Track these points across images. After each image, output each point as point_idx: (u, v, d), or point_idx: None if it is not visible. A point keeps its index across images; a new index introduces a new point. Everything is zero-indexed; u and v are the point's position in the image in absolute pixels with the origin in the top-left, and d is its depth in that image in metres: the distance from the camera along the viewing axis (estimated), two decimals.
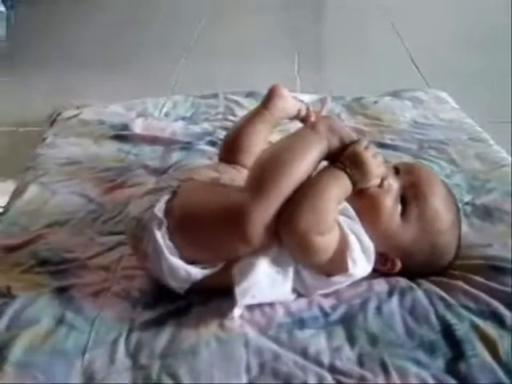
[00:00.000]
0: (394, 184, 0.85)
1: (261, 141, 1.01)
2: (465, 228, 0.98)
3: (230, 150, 1.01)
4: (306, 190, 0.77)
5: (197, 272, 0.79)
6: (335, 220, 0.79)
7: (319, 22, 2.64)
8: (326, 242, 0.77)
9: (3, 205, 1.12)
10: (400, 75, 1.82)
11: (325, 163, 0.83)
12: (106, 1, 2.74)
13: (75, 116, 1.40)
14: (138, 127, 1.33)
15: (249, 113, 1.08)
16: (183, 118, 1.41)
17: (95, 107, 1.45)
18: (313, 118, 1.05)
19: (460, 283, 0.86)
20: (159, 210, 0.81)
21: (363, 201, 0.83)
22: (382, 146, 1.23)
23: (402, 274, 0.88)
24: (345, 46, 2.22)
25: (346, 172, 0.80)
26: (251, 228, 0.75)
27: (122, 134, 1.31)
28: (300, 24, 2.45)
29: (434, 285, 0.87)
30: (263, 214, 0.75)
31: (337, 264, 0.78)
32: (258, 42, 2.20)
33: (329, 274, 0.79)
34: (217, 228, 0.78)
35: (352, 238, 0.79)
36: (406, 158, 1.19)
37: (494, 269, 0.89)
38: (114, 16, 2.59)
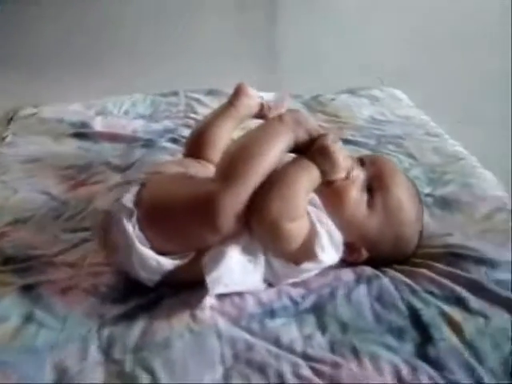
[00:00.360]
0: (359, 175, 0.87)
1: (226, 136, 1.02)
2: (426, 218, 1.01)
3: (196, 145, 1.02)
4: (277, 179, 0.78)
5: (167, 262, 0.79)
6: (305, 210, 0.80)
7: (275, 22, 2.68)
8: (297, 229, 0.78)
9: None
10: (354, 75, 1.85)
11: (291, 155, 0.85)
12: (65, 3, 2.69)
13: (33, 114, 1.38)
14: (98, 125, 1.32)
15: (215, 109, 1.09)
16: (143, 116, 1.40)
17: (53, 106, 1.43)
18: (271, 115, 1.07)
19: (423, 270, 0.89)
20: (128, 200, 0.81)
21: (331, 192, 0.84)
22: (342, 141, 1.25)
23: (367, 262, 0.89)
24: (300, 45, 2.25)
25: (314, 163, 0.81)
26: (221, 216, 0.75)
27: (81, 132, 1.29)
28: (256, 24, 2.47)
29: (399, 272, 0.89)
30: (232, 203, 0.76)
31: (305, 251, 0.79)
32: (215, 42, 2.21)
33: (298, 262, 0.81)
34: (187, 217, 0.78)
35: (319, 227, 0.81)
36: (366, 153, 1.21)
37: (454, 256, 0.91)
38: (74, 17, 2.56)
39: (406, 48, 2.15)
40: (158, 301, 0.82)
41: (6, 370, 0.72)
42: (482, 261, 0.90)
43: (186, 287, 0.83)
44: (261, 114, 1.09)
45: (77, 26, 2.41)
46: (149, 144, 1.25)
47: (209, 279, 0.77)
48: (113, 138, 1.27)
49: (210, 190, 0.77)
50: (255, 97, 1.07)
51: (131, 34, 2.35)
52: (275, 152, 0.80)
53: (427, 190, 1.10)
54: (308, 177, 0.81)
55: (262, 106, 1.08)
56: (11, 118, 1.37)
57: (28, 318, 0.79)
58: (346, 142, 1.26)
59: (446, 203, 1.07)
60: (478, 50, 2.12)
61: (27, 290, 0.84)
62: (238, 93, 1.06)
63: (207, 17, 2.58)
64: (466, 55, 2.06)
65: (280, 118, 0.85)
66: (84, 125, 1.32)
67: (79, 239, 0.96)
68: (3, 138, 1.29)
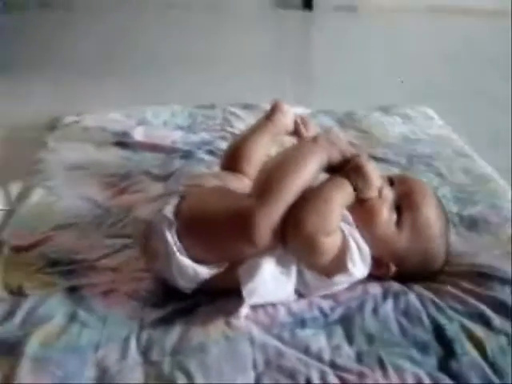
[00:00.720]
0: (389, 194, 0.90)
1: (262, 152, 1.06)
2: (453, 237, 1.04)
3: (233, 158, 1.06)
4: (312, 195, 0.83)
5: (204, 271, 0.84)
6: (339, 224, 0.84)
7: (310, 40, 2.73)
8: (331, 243, 0.83)
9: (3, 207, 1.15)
10: (386, 91, 1.89)
11: (326, 175, 0.90)
12: (98, 10, 2.78)
13: (76, 122, 1.44)
14: (139, 135, 1.37)
15: (252, 125, 1.14)
16: (181, 128, 1.46)
17: (95, 114, 1.49)
18: (304, 132, 1.11)
19: (449, 288, 0.92)
20: (169, 211, 0.86)
21: (362, 210, 0.88)
22: (373, 158, 1.29)
23: (394, 278, 0.93)
24: (334, 61, 2.30)
25: (349, 181, 0.86)
26: (257, 231, 0.80)
27: (123, 141, 1.35)
28: (292, 40, 2.52)
29: (425, 289, 0.92)
30: (268, 218, 0.80)
31: (337, 264, 0.84)
32: (251, 56, 2.26)
33: (330, 275, 0.85)
34: (224, 230, 0.83)
35: (351, 241, 0.85)
36: (397, 171, 1.25)
37: (480, 275, 0.94)
38: (107, 26, 2.64)
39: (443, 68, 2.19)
40: (195, 307, 0.87)
41: (51, 366, 0.76)
42: (507, 281, 0.92)
43: (221, 295, 0.87)
44: (296, 131, 1.13)
45: (118, 36, 2.50)
46: (187, 155, 1.30)
47: (245, 290, 0.82)
48: (153, 148, 1.32)
49: (247, 206, 0.82)
50: (291, 114, 1.11)
51: (170, 45, 2.42)
52: (309, 171, 0.85)
53: (455, 210, 1.13)
54: (342, 194, 0.85)
55: (296, 123, 1.12)
56: (55, 126, 1.43)
57: (72, 318, 0.84)
58: (378, 159, 1.30)
59: (473, 223, 1.10)
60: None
61: (71, 291, 0.89)
62: (274, 109, 1.11)
63: (244, 30, 2.64)
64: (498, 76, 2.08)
65: (314, 138, 0.90)
66: (125, 134, 1.38)
67: (121, 245, 1.01)
68: (44, 144, 1.34)
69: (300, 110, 1.54)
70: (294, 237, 0.81)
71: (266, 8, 2.90)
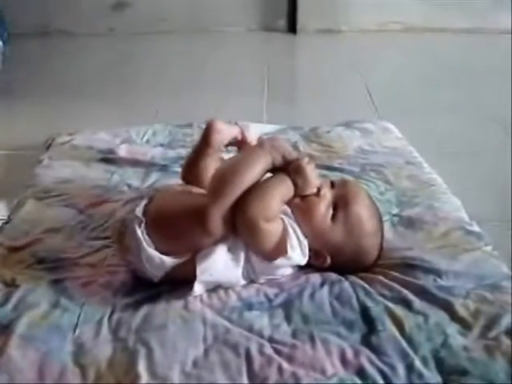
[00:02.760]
0: (327, 193, 1.06)
1: (210, 169, 1.14)
2: (390, 235, 1.18)
3: (188, 179, 1.18)
4: (257, 187, 0.99)
5: (169, 260, 1.00)
6: (279, 213, 1.00)
7: (293, 61, 2.91)
8: (271, 229, 0.98)
9: (4, 217, 1.31)
10: (357, 109, 2.04)
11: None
12: (95, 38, 2.98)
13: (68, 142, 1.61)
14: (123, 151, 1.54)
15: (194, 147, 1.21)
16: (162, 145, 1.62)
17: (85, 134, 1.66)
18: (250, 142, 1.18)
19: (380, 277, 1.06)
20: (139, 211, 1.02)
21: (302, 205, 1.04)
22: (330, 168, 1.44)
23: (334, 270, 1.07)
24: (316, 80, 2.46)
25: (289, 178, 1.02)
26: (211, 221, 0.97)
27: (108, 158, 1.51)
28: (276, 61, 2.69)
29: (359, 278, 1.06)
30: (219, 210, 0.97)
31: (278, 249, 0.99)
32: (236, 77, 2.43)
33: (271, 258, 1.00)
34: (184, 224, 0.99)
35: (291, 230, 1.01)
36: (350, 178, 1.39)
37: (408, 266, 1.08)
38: (101, 52, 2.84)
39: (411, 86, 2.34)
40: (160, 294, 1.02)
41: (36, 342, 0.92)
42: (431, 270, 1.06)
43: (182, 285, 1.02)
44: (237, 141, 1.19)
45: (110, 61, 2.68)
46: (163, 169, 1.46)
47: (198, 269, 0.98)
48: (134, 163, 1.48)
49: (202, 202, 0.99)
50: (226, 129, 1.17)
51: (159, 67, 2.59)
52: (254, 171, 1.01)
53: (395, 211, 1.27)
54: (282, 187, 1.02)
55: (238, 133, 1.17)
56: (50, 145, 1.60)
57: (55, 305, 1.00)
58: (334, 169, 1.45)
59: (410, 222, 1.23)
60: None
61: (55, 283, 1.05)
62: (208, 131, 1.16)
63: (231, 52, 2.82)
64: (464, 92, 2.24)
65: (260, 144, 1.06)
66: (110, 151, 1.54)
67: (101, 245, 1.16)
68: (40, 162, 1.51)
69: (270, 127, 1.72)
70: (240, 221, 0.97)
71: (253, 31, 3.08)
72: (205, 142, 1.17)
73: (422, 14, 3.04)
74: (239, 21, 3.05)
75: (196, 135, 1.65)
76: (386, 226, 1.19)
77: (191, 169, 1.18)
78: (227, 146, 1.20)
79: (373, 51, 2.82)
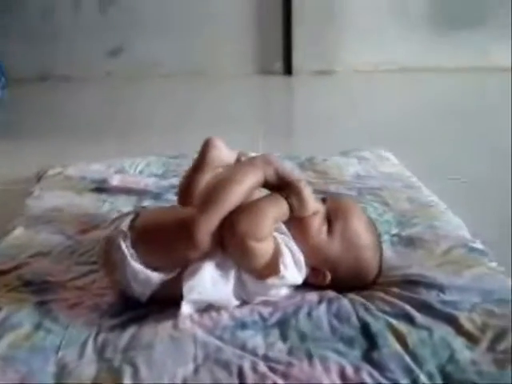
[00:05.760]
0: (320, 208, 1.02)
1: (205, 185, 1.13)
2: (390, 254, 1.15)
3: (184, 201, 1.16)
4: (249, 205, 0.95)
5: (155, 276, 0.95)
6: (271, 233, 0.96)
7: (290, 101, 2.93)
8: (261, 249, 0.94)
9: None
10: (352, 143, 2.03)
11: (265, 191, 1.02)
12: (92, 82, 3.01)
13: (60, 173, 1.59)
14: (116, 181, 1.51)
15: (192, 164, 1.20)
16: (155, 175, 1.60)
17: (78, 165, 1.64)
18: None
19: (380, 294, 1.02)
20: (124, 226, 0.98)
21: (297, 222, 1.00)
22: (326, 193, 1.39)
23: (333, 288, 1.03)
24: (306, 118, 2.46)
25: (286, 200, 0.98)
26: (198, 235, 0.92)
27: (101, 187, 1.49)
28: (267, 100, 2.71)
29: (358, 295, 1.01)
30: (207, 224, 0.93)
31: (270, 268, 0.95)
32: (226, 115, 2.44)
33: (263, 278, 0.95)
34: (171, 237, 0.95)
35: (284, 248, 0.96)
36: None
37: (409, 282, 1.04)
38: (98, 96, 2.86)
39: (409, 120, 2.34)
40: (148, 314, 0.97)
41: (17, 364, 0.87)
42: (433, 285, 1.02)
43: (171, 304, 0.97)
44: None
45: (107, 102, 2.70)
46: (157, 196, 1.43)
47: (185, 287, 0.93)
48: (127, 191, 1.46)
49: (191, 216, 0.95)
50: (224, 149, 1.17)
51: (149, 112, 2.61)
52: (245, 186, 0.97)
53: (394, 231, 1.23)
54: (277, 209, 0.97)
55: (239, 158, 1.18)
56: (41, 177, 1.58)
57: (38, 326, 0.95)
58: (329, 194, 1.41)
59: (410, 241, 1.19)
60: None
61: (40, 305, 1.00)
62: (206, 147, 1.16)
63: (228, 94, 2.84)
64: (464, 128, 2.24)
65: (251, 159, 1.03)
66: (103, 181, 1.52)
67: (89, 270, 1.12)
68: (31, 193, 1.48)
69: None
70: (228, 239, 0.93)
71: (249, 74, 3.11)
72: (201, 158, 1.15)
73: (417, 54, 3.08)
74: (236, 64, 3.10)
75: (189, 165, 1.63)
76: (386, 245, 1.16)
77: (186, 187, 1.15)
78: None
79: (367, 91, 2.86)
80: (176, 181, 1.52)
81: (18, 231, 1.27)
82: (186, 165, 1.61)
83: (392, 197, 1.40)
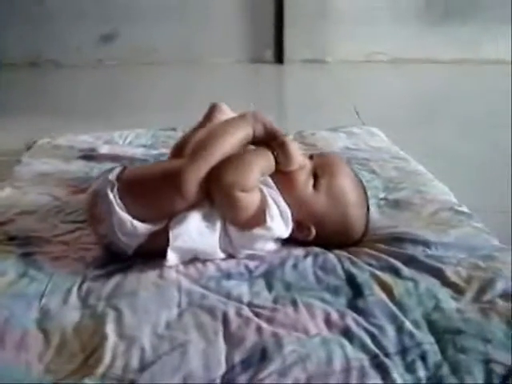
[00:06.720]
0: (307, 163, 1.02)
1: None
2: (377, 216, 1.15)
3: (177, 153, 1.17)
4: (237, 157, 0.95)
5: (141, 226, 0.94)
6: (257, 185, 0.96)
7: (277, 86, 2.93)
8: (247, 200, 0.94)
9: None
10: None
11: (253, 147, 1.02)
12: (83, 69, 3.01)
13: (49, 143, 1.58)
14: (104, 150, 1.51)
15: (195, 125, 1.23)
16: (144, 146, 1.59)
17: (67, 136, 1.64)
18: None
19: (365, 249, 1.02)
20: (112, 176, 0.98)
21: (283, 176, 1.00)
22: None
23: (319, 244, 1.02)
24: (301, 103, 2.47)
25: (272, 154, 0.98)
26: (185, 184, 0.92)
27: (88, 155, 1.48)
28: (258, 88, 2.71)
29: (344, 251, 1.01)
30: (195, 174, 0.93)
31: (256, 219, 0.94)
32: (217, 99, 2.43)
33: (249, 229, 0.95)
34: (158, 187, 0.95)
35: (270, 200, 0.96)
36: None
37: (395, 239, 1.04)
38: (89, 82, 2.86)
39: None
40: (133, 265, 0.97)
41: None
42: (419, 242, 1.02)
43: (157, 256, 0.96)
44: None
45: (99, 89, 2.70)
46: (144, 163, 1.42)
47: (171, 234, 0.93)
48: (114, 158, 1.45)
49: (178, 166, 0.95)
50: (229, 112, 1.21)
51: (141, 99, 2.60)
52: (234, 138, 0.98)
53: (382, 195, 1.24)
54: (263, 161, 0.97)
55: None
56: (30, 147, 1.57)
57: (23, 275, 0.94)
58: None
59: (397, 204, 1.19)
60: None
61: (25, 256, 1.00)
62: (212, 109, 1.21)
63: (221, 82, 2.84)
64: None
65: (242, 114, 1.03)
66: (91, 150, 1.52)
67: (75, 228, 1.11)
68: (19, 161, 1.47)
69: None
70: (215, 189, 0.93)
71: (241, 62, 3.12)
72: (206, 119, 1.17)
73: (408, 45, 3.09)
74: (228, 52, 3.10)
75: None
76: (373, 208, 1.15)
77: (181, 142, 1.15)
78: None
79: (358, 81, 2.86)
80: (166, 151, 1.51)
81: (5, 192, 1.27)
82: (175, 137, 1.63)
83: (380, 166, 1.40)
